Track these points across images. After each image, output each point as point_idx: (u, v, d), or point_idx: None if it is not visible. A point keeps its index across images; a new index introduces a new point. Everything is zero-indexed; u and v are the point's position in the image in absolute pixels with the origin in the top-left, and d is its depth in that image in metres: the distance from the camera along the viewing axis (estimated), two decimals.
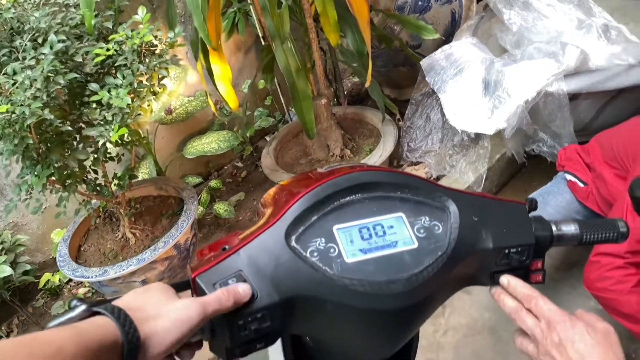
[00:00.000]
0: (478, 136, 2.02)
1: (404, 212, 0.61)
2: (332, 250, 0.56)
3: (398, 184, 0.62)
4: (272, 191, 0.70)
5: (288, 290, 0.54)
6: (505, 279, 0.63)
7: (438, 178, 2.12)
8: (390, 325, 0.59)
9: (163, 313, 0.48)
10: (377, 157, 2.07)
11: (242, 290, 0.52)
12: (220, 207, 2.27)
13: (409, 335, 0.64)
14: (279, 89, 2.82)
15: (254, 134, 2.78)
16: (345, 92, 2.91)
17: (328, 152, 2.19)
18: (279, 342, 0.71)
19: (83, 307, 0.46)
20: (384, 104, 2.13)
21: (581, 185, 1.56)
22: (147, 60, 1.45)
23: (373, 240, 0.58)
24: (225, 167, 2.87)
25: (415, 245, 0.59)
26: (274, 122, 2.74)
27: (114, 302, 0.48)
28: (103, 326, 0.44)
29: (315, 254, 0.56)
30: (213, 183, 2.49)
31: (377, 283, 0.55)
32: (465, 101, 1.94)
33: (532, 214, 0.68)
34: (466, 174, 2.01)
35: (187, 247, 1.74)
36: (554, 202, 1.58)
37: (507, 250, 0.62)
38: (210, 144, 2.35)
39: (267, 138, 2.89)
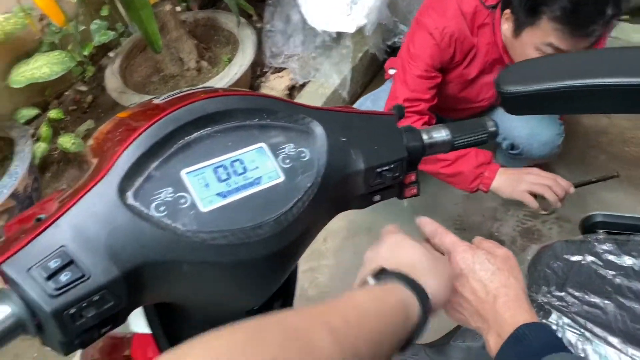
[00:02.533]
0: (340, 35, 1.95)
1: (265, 141, 0.52)
2: (183, 200, 0.46)
3: (254, 109, 0.52)
4: (104, 129, 0.56)
5: (131, 259, 0.43)
6: (417, 220, 0.63)
7: (304, 85, 2.04)
8: (262, 273, 0.52)
9: (443, 285, 0.51)
10: (238, 66, 1.92)
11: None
12: (66, 141, 1.99)
13: (285, 276, 0.58)
14: None
15: (94, 51, 2.42)
16: None
17: (182, 66, 1.98)
18: (139, 310, 0.61)
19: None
20: (237, 4, 1.94)
21: None
22: None
23: (232, 181, 0.49)
24: (67, 93, 2.50)
25: (282, 178, 0.51)
26: (116, 36, 2.40)
27: (387, 264, 0.52)
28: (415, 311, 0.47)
29: (161, 208, 0.45)
30: (53, 114, 2.16)
31: (241, 231, 0.47)
32: None
33: (402, 124, 0.63)
34: (331, 77, 1.94)
35: (28, 194, 1.50)
36: (386, 97, 1.61)
37: (379, 169, 0.57)
38: (41, 68, 2.00)
39: (112, 54, 2.55)
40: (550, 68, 0.66)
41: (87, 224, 0.43)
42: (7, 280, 0.41)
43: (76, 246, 0.42)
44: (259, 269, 0.50)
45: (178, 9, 2.43)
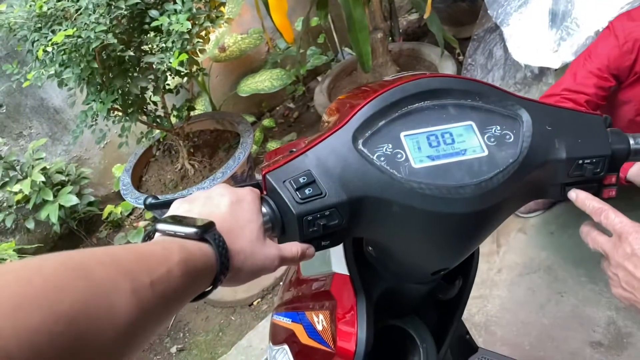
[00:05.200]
0: (542, 72, 1.92)
1: (474, 120, 0.59)
2: (399, 155, 0.56)
3: (469, 91, 0.60)
4: (334, 104, 0.69)
5: (356, 190, 0.54)
6: (573, 193, 0.61)
7: None
8: (457, 231, 0.58)
9: (254, 253, 0.50)
10: None
11: (310, 252, 0.55)
12: (273, 146, 2.30)
13: (474, 245, 0.63)
14: (332, 27, 2.76)
15: (306, 73, 2.76)
16: (400, 30, 2.82)
17: None
18: (341, 254, 0.72)
19: (193, 230, 0.45)
20: (443, 38, 2.05)
21: None
22: None
23: (441, 148, 0.57)
24: (278, 108, 2.88)
25: (485, 153, 0.57)
26: (327, 61, 2.71)
27: (214, 218, 0.48)
28: (207, 255, 0.45)
29: (382, 158, 0.55)
30: (266, 122, 2.51)
31: (445, 187, 0.54)
32: (529, 34, 1.83)
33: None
34: None
35: (243, 179, 1.77)
36: None
37: (581, 161, 0.60)
38: (264, 82, 2.36)
39: (319, 78, 2.87)
40: None
41: (327, 158, 0.55)
42: (267, 187, 0.55)
43: (318, 172, 0.54)
44: (455, 226, 0.57)
45: (387, 38, 2.65)
